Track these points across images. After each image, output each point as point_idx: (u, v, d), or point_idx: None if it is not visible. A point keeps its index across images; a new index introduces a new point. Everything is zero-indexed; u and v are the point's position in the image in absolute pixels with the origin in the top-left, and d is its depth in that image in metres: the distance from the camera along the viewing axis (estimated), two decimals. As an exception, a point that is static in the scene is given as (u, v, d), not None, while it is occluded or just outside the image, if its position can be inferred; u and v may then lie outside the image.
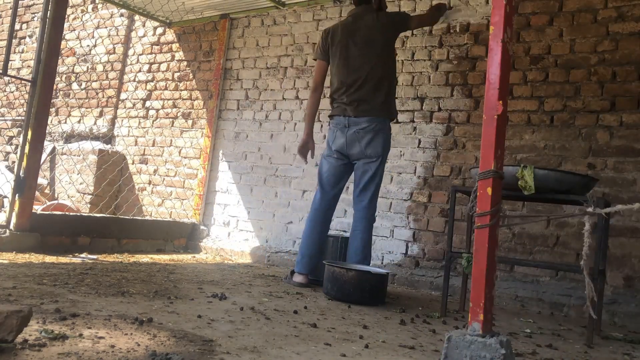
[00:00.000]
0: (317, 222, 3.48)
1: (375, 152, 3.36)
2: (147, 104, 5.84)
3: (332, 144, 3.48)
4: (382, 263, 4.15)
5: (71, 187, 5.62)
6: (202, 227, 5.09)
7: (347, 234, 3.89)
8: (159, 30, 5.91)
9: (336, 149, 3.46)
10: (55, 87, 5.55)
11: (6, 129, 6.93)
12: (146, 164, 5.74)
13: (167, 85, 5.73)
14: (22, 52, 7.04)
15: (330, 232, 3.77)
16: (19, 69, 6.94)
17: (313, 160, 4.01)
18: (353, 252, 3.33)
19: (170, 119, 5.64)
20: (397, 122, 4.29)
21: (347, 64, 3.46)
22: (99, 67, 6.28)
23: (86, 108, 6.28)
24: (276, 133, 4.91)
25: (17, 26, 6.89)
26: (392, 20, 3.53)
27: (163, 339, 1.65)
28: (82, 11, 6.63)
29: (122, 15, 6.22)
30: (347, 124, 3.41)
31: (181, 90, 5.62)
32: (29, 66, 6.73)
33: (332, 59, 3.55)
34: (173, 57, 5.75)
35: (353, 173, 3.50)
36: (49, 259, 3.30)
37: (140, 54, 6.01)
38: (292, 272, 3.45)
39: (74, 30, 6.60)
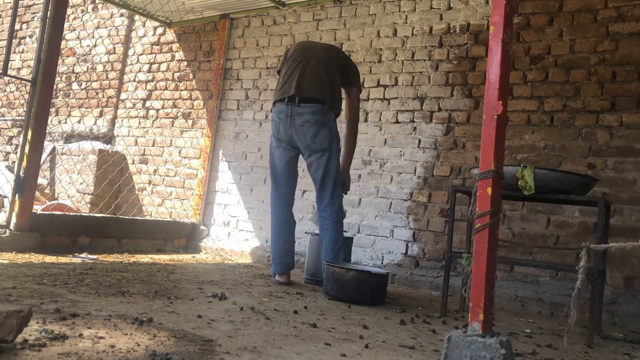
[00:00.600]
0: (282, 222, 3.42)
1: (322, 146, 3.31)
2: (147, 104, 5.84)
3: (276, 134, 3.41)
4: (382, 263, 4.15)
5: (71, 187, 5.62)
6: (202, 227, 5.09)
7: None
8: (159, 30, 5.91)
9: (283, 140, 3.39)
10: (55, 87, 5.55)
11: (6, 129, 6.93)
12: (146, 164, 5.74)
13: (167, 85, 5.73)
14: (22, 52, 7.04)
15: (316, 231, 3.75)
16: (19, 69, 6.95)
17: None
18: (324, 251, 3.31)
19: (170, 119, 5.64)
20: (397, 122, 4.29)
21: (301, 60, 3.41)
22: (99, 67, 6.28)
23: (86, 108, 6.28)
24: (276, 133, 4.91)
25: (17, 26, 6.89)
26: (346, 64, 3.51)
27: (163, 339, 1.65)
28: (82, 11, 6.63)
29: (122, 15, 6.22)
30: (290, 112, 3.32)
31: (181, 90, 5.62)
32: (29, 66, 6.73)
33: (285, 64, 3.49)
34: (173, 57, 5.75)
35: (307, 170, 3.46)
36: (49, 259, 3.30)
37: (140, 54, 6.01)
38: (275, 274, 3.43)
39: (74, 30, 6.60)
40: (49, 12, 3.66)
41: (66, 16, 4.12)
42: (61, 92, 6.47)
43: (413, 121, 4.23)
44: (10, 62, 5.18)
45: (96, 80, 6.28)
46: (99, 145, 5.77)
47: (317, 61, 3.40)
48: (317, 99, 3.31)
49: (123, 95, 6.06)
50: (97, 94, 6.22)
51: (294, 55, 3.47)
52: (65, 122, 6.37)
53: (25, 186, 3.54)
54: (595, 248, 1.60)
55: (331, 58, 3.45)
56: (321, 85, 3.35)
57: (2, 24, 7.39)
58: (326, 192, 3.34)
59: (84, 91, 6.34)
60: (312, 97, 3.30)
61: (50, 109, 4.96)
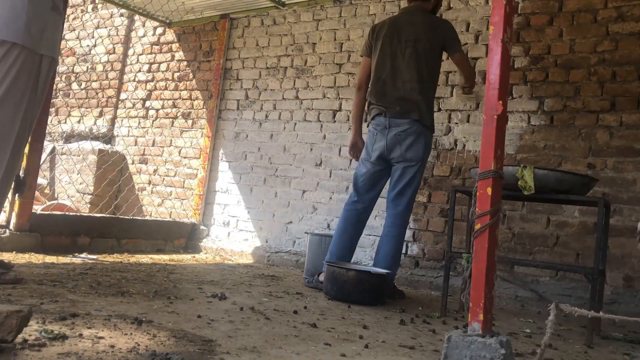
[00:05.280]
0: (349, 223, 3.34)
1: (417, 156, 3.25)
2: (147, 104, 5.84)
3: (372, 147, 3.34)
4: (382, 263, 4.14)
5: (71, 187, 5.62)
6: (202, 227, 5.09)
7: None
8: (159, 30, 5.91)
9: (376, 152, 3.32)
10: (55, 87, 5.56)
11: (6, 129, 6.92)
12: (146, 164, 5.74)
13: (167, 85, 5.73)
14: (22, 52, 7.03)
15: (316, 231, 3.71)
16: (18, 69, 6.93)
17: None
18: (382, 256, 3.23)
19: (170, 119, 5.65)
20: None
21: (389, 60, 3.32)
22: (99, 67, 6.28)
23: (86, 108, 6.28)
24: (276, 133, 4.91)
25: (17, 26, 6.87)
26: (442, 33, 3.32)
27: (163, 339, 1.65)
28: (82, 11, 6.63)
29: (122, 15, 6.22)
30: (388, 124, 3.27)
31: (181, 90, 5.62)
32: (28, 66, 6.72)
33: (373, 54, 3.40)
34: (173, 57, 5.75)
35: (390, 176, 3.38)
36: (49, 259, 3.30)
37: (140, 54, 6.01)
38: (319, 274, 3.32)
39: (74, 30, 6.60)
40: (48, 12, 3.65)
41: (66, 16, 4.12)
42: (61, 92, 6.47)
43: (413, 121, 4.22)
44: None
45: (96, 80, 6.27)
46: (98, 145, 5.77)
47: (408, 75, 3.28)
48: (410, 118, 3.26)
49: (123, 95, 6.06)
50: (97, 94, 6.22)
51: (379, 46, 3.35)
52: (65, 122, 6.37)
53: (25, 186, 3.54)
54: (564, 308, 1.58)
55: (420, 48, 3.28)
56: (412, 103, 3.26)
57: (2, 24, 7.37)
58: (403, 200, 3.28)
59: (83, 91, 6.34)
60: (407, 117, 3.25)
61: (50, 109, 4.96)
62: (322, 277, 3.21)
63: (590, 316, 1.55)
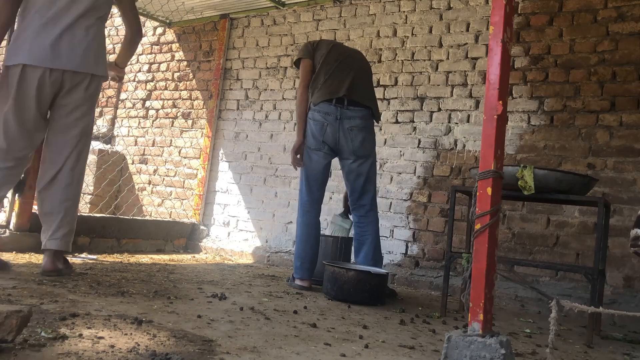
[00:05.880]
0: (311, 226, 3.29)
1: (366, 152, 3.27)
2: (147, 103, 5.84)
3: (321, 136, 3.22)
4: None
5: (71, 187, 5.61)
6: (202, 227, 5.09)
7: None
8: (159, 30, 5.92)
9: (326, 142, 3.24)
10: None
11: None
12: (146, 164, 5.74)
13: (167, 85, 5.73)
14: (22, 52, 7.03)
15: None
16: (18, 69, 6.93)
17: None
18: (364, 256, 3.23)
19: (170, 119, 5.65)
20: (397, 122, 4.29)
21: (345, 62, 3.34)
22: (99, 67, 6.27)
23: (86, 108, 6.27)
24: (276, 133, 4.91)
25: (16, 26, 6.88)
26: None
27: (163, 339, 1.65)
28: (82, 11, 6.62)
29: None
30: (339, 115, 3.21)
31: (181, 90, 5.62)
32: (28, 66, 6.72)
33: (321, 62, 3.34)
34: (173, 57, 5.76)
35: (345, 175, 3.35)
36: (49, 259, 3.30)
37: (140, 54, 6.01)
38: (294, 276, 3.31)
39: (74, 30, 6.59)
40: (48, 12, 3.65)
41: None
42: (61, 92, 6.47)
43: (413, 121, 4.23)
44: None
45: (96, 80, 6.27)
46: (98, 145, 5.77)
47: (362, 68, 3.40)
48: (365, 105, 3.28)
49: (123, 95, 6.06)
50: (97, 94, 6.21)
51: (333, 56, 3.34)
52: (65, 122, 6.36)
53: (25, 186, 3.54)
54: (565, 305, 1.58)
55: (369, 71, 3.49)
56: (369, 91, 3.37)
57: (2, 24, 7.37)
58: (367, 199, 3.29)
59: (83, 91, 6.33)
60: (360, 102, 3.26)
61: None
62: (297, 282, 3.23)
63: (589, 312, 1.55)
